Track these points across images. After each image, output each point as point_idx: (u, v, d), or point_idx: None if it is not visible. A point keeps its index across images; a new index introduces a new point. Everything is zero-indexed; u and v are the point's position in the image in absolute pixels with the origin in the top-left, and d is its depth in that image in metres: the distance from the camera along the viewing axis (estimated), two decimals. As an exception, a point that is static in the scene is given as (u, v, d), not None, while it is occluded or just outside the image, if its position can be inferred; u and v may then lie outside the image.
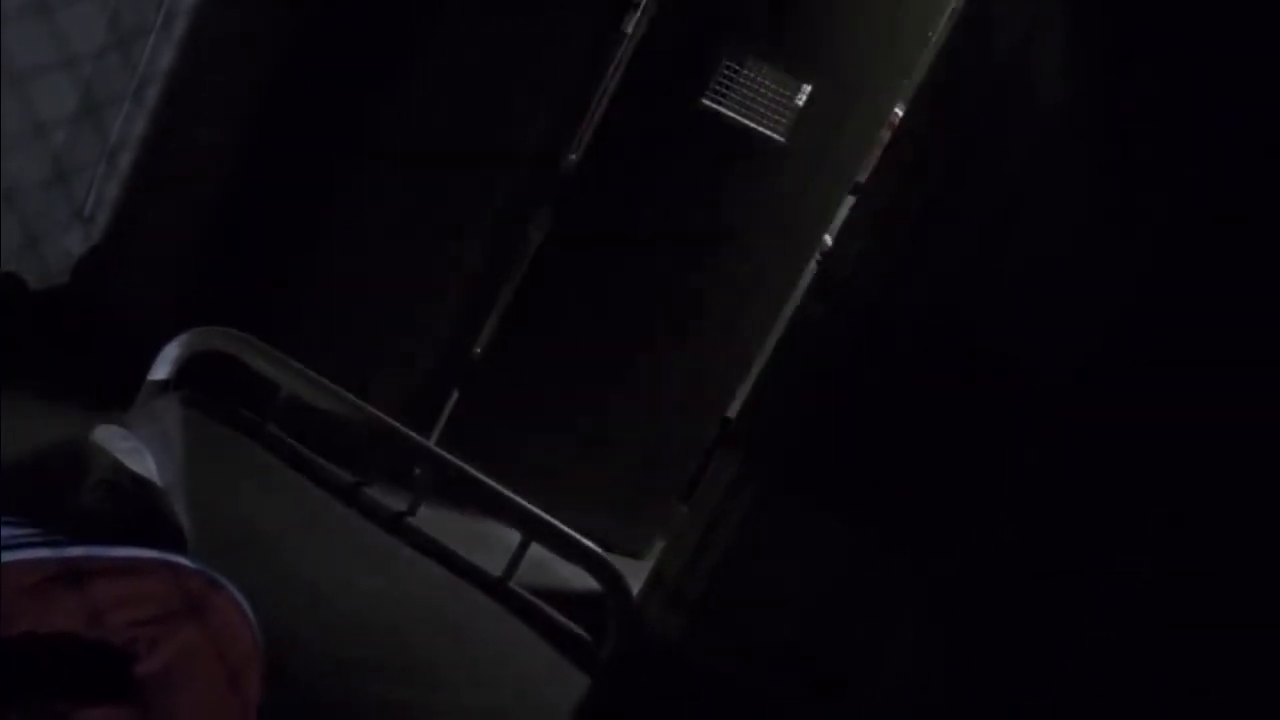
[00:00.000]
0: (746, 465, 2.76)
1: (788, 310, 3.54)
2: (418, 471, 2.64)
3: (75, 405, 1.99)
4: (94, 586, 1.34)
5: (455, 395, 3.67)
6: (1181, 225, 1.95)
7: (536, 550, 2.29)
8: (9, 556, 1.33)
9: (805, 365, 2.64)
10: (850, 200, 3.76)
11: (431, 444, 2.80)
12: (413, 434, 2.53)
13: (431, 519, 2.42)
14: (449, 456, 2.48)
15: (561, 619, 2.37)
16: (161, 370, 2.20)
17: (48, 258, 2.73)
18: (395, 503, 2.40)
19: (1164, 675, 1.87)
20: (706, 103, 3.81)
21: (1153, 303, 1.96)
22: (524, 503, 2.40)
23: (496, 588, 2.31)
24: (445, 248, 3.38)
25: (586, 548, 2.42)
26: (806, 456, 2.60)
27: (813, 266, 4.03)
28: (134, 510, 1.74)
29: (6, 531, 1.37)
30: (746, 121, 3.86)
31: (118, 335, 2.62)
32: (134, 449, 1.82)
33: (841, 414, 2.59)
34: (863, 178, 3.77)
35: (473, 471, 2.38)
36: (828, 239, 4.02)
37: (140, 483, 1.77)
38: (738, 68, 3.82)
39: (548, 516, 2.44)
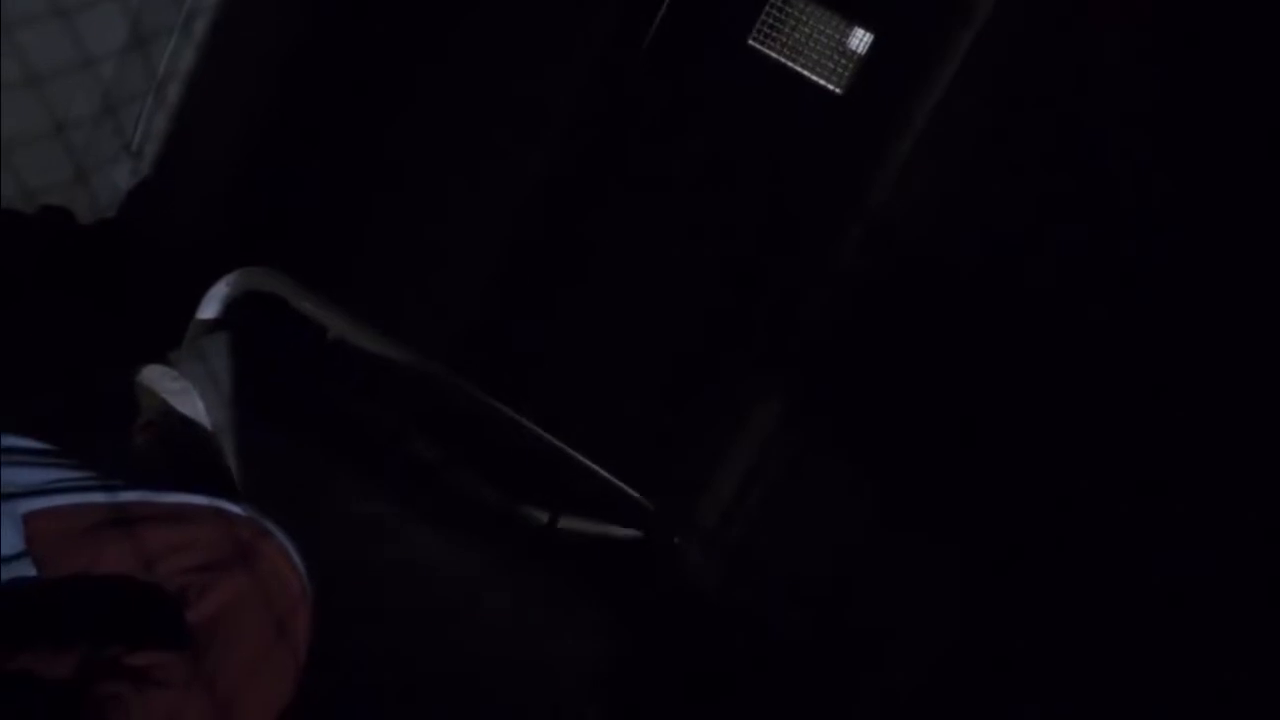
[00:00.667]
0: (787, 415, 2.75)
1: (833, 258, 3.50)
2: (459, 416, 2.64)
3: (123, 344, 1.99)
4: (145, 532, 1.35)
5: (499, 338, 3.67)
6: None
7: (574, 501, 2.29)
8: (62, 500, 1.34)
9: (853, 315, 2.62)
10: (903, 149, 3.69)
11: (474, 388, 2.80)
12: (456, 377, 2.53)
13: (475, 464, 2.42)
14: (492, 400, 2.48)
15: (601, 562, 2.38)
16: (209, 309, 2.20)
17: (96, 192, 2.73)
18: (440, 447, 2.41)
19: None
20: (754, 44, 3.73)
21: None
22: (564, 445, 2.40)
23: (542, 530, 2.32)
24: (494, 188, 3.36)
25: (626, 491, 2.42)
26: (847, 405, 2.59)
27: (864, 213, 3.97)
28: (183, 454, 1.75)
29: (59, 474, 1.38)
30: (795, 66, 3.78)
31: (165, 272, 2.63)
32: (183, 390, 1.82)
33: (886, 363, 2.57)
34: (920, 126, 3.70)
35: (513, 414, 2.38)
36: (879, 188, 3.95)
37: (189, 425, 1.78)
38: (784, 7, 3.73)
39: (588, 461, 2.44)
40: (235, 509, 1.41)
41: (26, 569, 1.32)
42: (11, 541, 1.32)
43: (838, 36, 3.54)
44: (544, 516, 2.41)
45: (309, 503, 2.09)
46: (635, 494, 2.52)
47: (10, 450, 1.39)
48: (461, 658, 1.94)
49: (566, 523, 2.43)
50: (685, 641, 2.42)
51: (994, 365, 2.41)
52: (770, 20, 3.55)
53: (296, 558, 1.43)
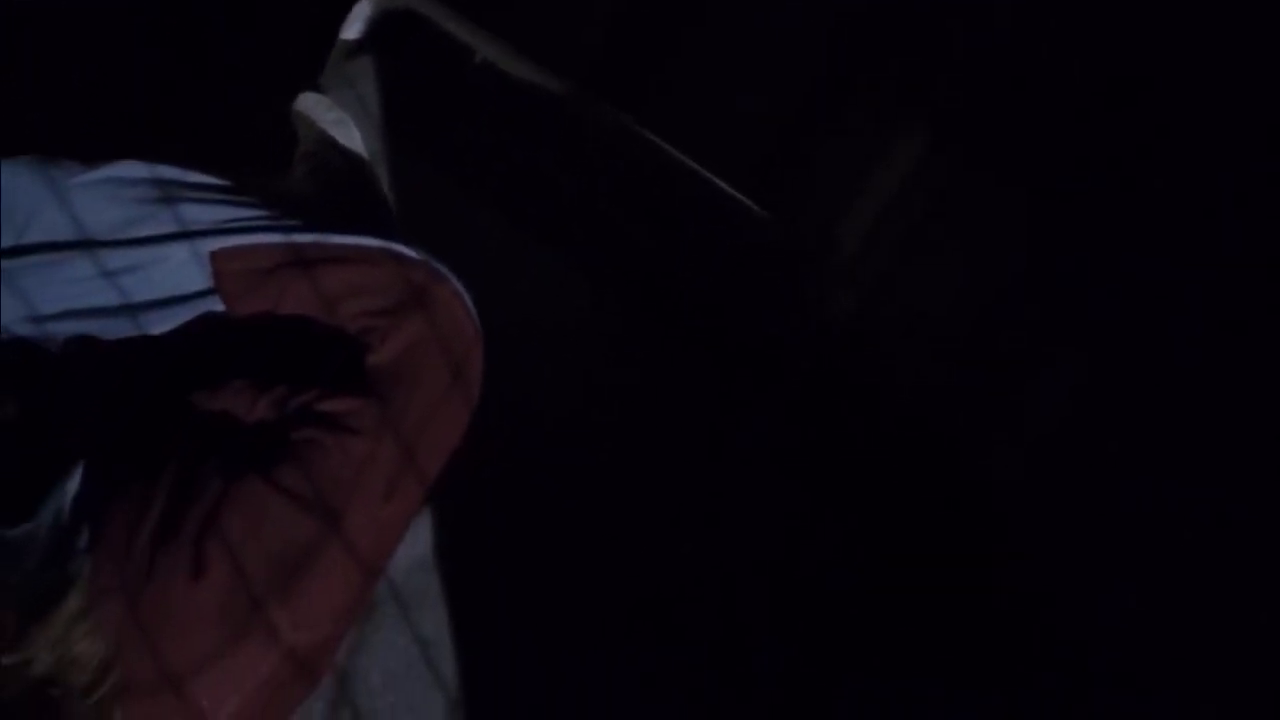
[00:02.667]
0: (934, 143, 2.63)
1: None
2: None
3: (271, 69, 1.95)
4: (324, 274, 1.36)
5: (633, 63, 3.53)
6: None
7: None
8: (243, 239, 1.35)
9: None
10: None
11: (609, 110, 2.72)
12: (594, 99, 2.45)
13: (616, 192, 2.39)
14: (629, 122, 2.41)
15: (732, 291, 2.36)
16: (352, 29, 2.13)
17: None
18: (575, 175, 2.37)
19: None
20: None
21: None
22: (699, 168, 2.35)
23: (675, 258, 2.29)
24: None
25: (761, 214, 2.38)
26: (997, 134, 2.47)
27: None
28: (341, 184, 1.75)
29: (235, 212, 1.38)
30: None
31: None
32: (339, 120, 1.79)
33: (1042, 90, 2.43)
34: None
35: (648, 135, 2.32)
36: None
37: (347, 156, 1.77)
38: None
39: (723, 183, 2.39)
40: (408, 251, 1.40)
41: (215, 304, 1.34)
42: (198, 279, 1.34)
43: None
44: (678, 243, 2.38)
45: (454, 236, 2.09)
46: (769, 215, 2.47)
47: (187, 186, 1.39)
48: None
49: (699, 250, 2.40)
50: (814, 373, 2.42)
51: (1169, 76, 2.23)
52: None
53: (468, 300, 1.43)
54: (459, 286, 1.43)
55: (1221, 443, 2.00)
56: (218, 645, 1.02)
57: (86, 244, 1.33)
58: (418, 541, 1.40)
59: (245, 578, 1.04)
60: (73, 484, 1.10)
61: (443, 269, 1.43)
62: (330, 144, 1.73)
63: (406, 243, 1.43)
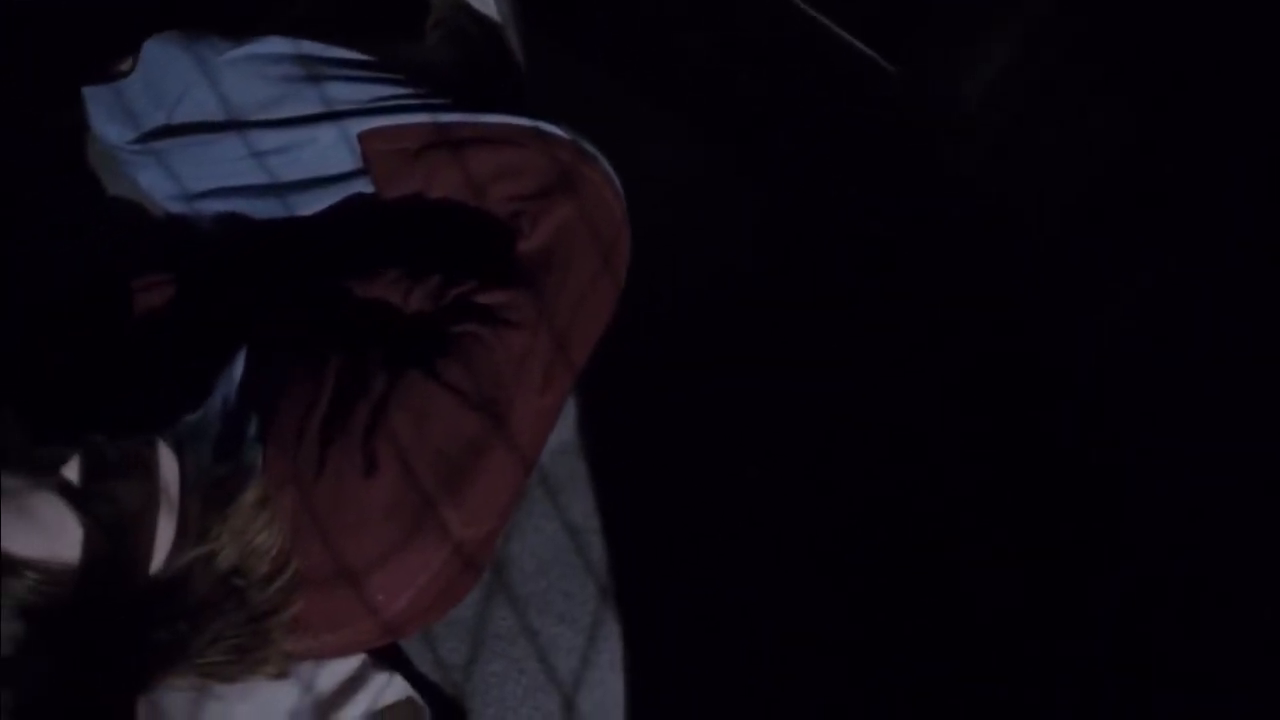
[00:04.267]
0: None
1: None
2: None
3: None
4: (472, 156, 1.32)
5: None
6: None
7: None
8: (390, 120, 1.32)
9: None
10: None
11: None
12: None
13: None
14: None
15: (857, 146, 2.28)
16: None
17: None
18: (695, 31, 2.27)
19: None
20: None
21: None
22: (812, 10, 2.25)
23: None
24: None
25: (886, 66, 2.28)
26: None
27: None
28: (474, 50, 1.69)
29: (380, 89, 1.35)
30: None
31: None
32: (472, -17, 1.73)
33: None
34: None
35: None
36: None
37: (481, 21, 1.71)
38: None
39: (847, 33, 2.28)
40: (556, 130, 1.36)
41: (363, 186, 1.32)
42: (347, 160, 1.32)
43: None
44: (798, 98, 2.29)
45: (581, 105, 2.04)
46: (895, 69, 2.36)
47: (330, 62, 1.35)
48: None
49: (819, 103, 2.30)
50: (937, 228, 2.33)
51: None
52: None
53: (617, 182, 1.39)
54: (607, 167, 1.39)
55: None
56: (392, 543, 1.03)
57: (237, 124, 1.31)
58: (563, 426, 1.40)
59: (415, 476, 1.04)
60: (237, 370, 1.10)
61: (591, 148, 1.39)
62: (463, 7, 1.67)
63: (554, 120, 1.38)
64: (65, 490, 0.88)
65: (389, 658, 1.13)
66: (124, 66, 1.37)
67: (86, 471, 0.91)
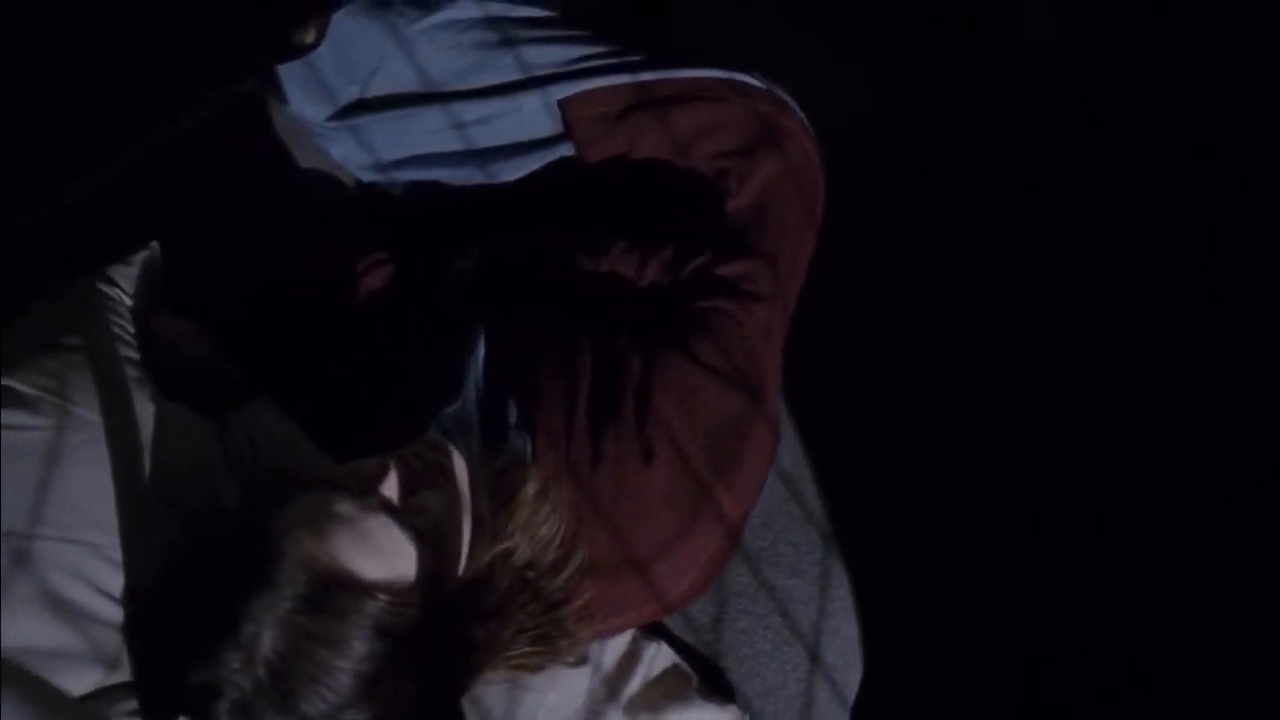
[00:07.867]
0: None
1: None
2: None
3: None
4: (673, 115, 1.30)
5: None
6: None
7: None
8: (590, 83, 1.30)
9: None
10: None
11: None
12: None
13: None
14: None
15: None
16: None
17: None
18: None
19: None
20: None
21: None
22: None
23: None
24: None
25: None
26: None
27: None
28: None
29: (576, 49, 1.32)
30: None
31: None
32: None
33: None
34: None
35: None
36: None
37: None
38: None
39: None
40: (751, 80, 1.33)
41: (565, 150, 1.31)
42: (548, 125, 1.30)
43: None
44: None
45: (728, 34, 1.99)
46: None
47: (519, 23, 1.33)
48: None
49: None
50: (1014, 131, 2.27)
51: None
52: None
53: (810, 129, 1.36)
54: (802, 115, 1.36)
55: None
56: (675, 530, 1.04)
57: (437, 96, 1.29)
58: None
59: (688, 461, 1.05)
60: (479, 353, 1.11)
61: (786, 97, 1.36)
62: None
63: (746, 70, 1.35)
64: (389, 509, 0.90)
65: (651, 626, 1.16)
66: (307, 38, 1.35)
67: (402, 486, 0.93)
